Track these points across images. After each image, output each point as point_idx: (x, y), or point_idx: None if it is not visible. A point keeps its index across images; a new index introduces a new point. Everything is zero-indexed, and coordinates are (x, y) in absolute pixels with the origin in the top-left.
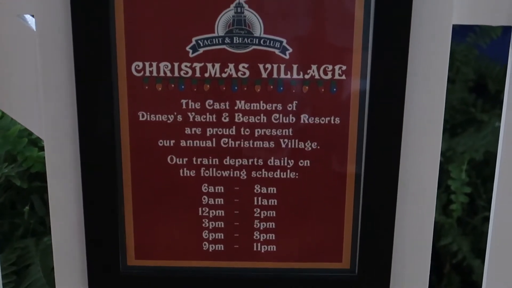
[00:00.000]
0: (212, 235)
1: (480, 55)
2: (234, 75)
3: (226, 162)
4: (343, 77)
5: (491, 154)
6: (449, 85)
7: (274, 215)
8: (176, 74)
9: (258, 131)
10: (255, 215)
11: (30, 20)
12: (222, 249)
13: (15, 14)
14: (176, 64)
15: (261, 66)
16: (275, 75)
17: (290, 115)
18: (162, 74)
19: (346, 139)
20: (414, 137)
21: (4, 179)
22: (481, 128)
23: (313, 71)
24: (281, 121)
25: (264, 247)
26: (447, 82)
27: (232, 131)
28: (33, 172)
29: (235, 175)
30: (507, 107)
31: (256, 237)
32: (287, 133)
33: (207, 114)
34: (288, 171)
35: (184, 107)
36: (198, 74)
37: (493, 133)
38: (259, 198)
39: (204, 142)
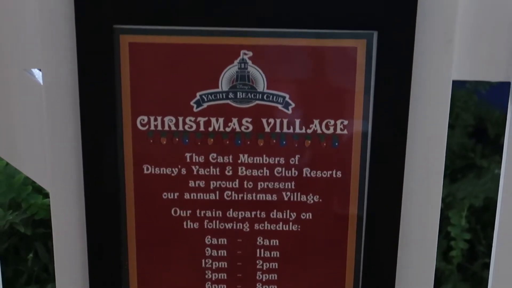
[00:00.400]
0: (215, 287)
1: (479, 101)
2: (238, 129)
3: (229, 214)
4: (345, 131)
5: (490, 200)
6: (448, 131)
7: (276, 267)
8: (181, 128)
9: (261, 184)
10: (258, 266)
11: (37, 74)
12: None
13: (22, 68)
14: (180, 119)
15: (264, 120)
16: (277, 130)
17: (293, 169)
18: (166, 128)
19: (348, 192)
20: (415, 189)
21: (8, 226)
22: (481, 174)
23: (315, 126)
24: (283, 174)
25: None
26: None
27: (235, 184)
28: (37, 219)
29: (238, 227)
30: (507, 155)
31: None
32: (289, 186)
33: (211, 167)
34: (290, 223)
35: (188, 160)
36: (202, 128)
37: (492, 180)
38: (262, 250)
39: (207, 194)
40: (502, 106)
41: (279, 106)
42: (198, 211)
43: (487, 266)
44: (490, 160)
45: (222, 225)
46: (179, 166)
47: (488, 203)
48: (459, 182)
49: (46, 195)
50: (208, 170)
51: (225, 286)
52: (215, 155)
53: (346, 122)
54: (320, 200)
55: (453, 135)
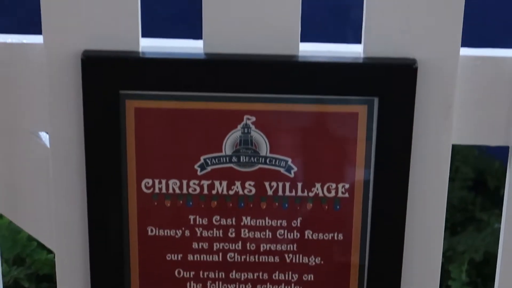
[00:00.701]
0: None
1: (479, 153)
2: (241, 193)
3: (232, 275)
4: (346, 195)
5: (490, 254)
6: (448, 184)
7: None
8: (185, 191)
9: (263, 246)
10: None
11: (44, 137)
12: None
13: (30, 131)
14: (184, 182)
15: (266, 184)
16: (280, 193)
17: (295, 231)
18: (171, 191)
19: (349, 254)
20: (416, 246)
21: (13, 281)
22: (481, 228)
23: (317, 189)
24: (285, 236)
25: None
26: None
27: (238, 246)
28: (41, 274)
29: None
30: (506, 213)
31: None
32: (291, 248)
33: (214, 229)
34: (293, 285)
35: (191, 222)
36: (205, 191)
37: (492, 234)
38: None
39: (210, 256)
40: (501, 157)
41: (282, 170)
42: (201, 272)
43: None
44: (490, 213)
45: (225, 286)
46: (183, 228)
47: (489, 257)
48: (459, 236)
49: (50, 251)
50: (212, 232)
51: None
52: (218, 217)
53: (347, 186)
54: (322, 262)
55: (453, 188)
